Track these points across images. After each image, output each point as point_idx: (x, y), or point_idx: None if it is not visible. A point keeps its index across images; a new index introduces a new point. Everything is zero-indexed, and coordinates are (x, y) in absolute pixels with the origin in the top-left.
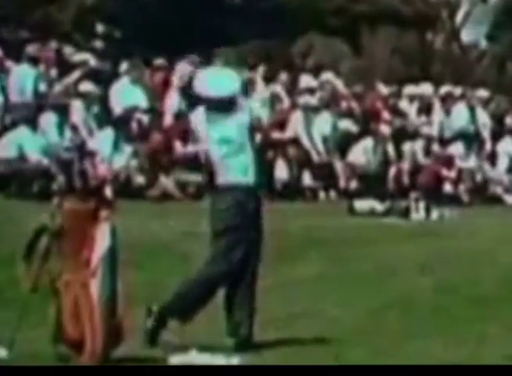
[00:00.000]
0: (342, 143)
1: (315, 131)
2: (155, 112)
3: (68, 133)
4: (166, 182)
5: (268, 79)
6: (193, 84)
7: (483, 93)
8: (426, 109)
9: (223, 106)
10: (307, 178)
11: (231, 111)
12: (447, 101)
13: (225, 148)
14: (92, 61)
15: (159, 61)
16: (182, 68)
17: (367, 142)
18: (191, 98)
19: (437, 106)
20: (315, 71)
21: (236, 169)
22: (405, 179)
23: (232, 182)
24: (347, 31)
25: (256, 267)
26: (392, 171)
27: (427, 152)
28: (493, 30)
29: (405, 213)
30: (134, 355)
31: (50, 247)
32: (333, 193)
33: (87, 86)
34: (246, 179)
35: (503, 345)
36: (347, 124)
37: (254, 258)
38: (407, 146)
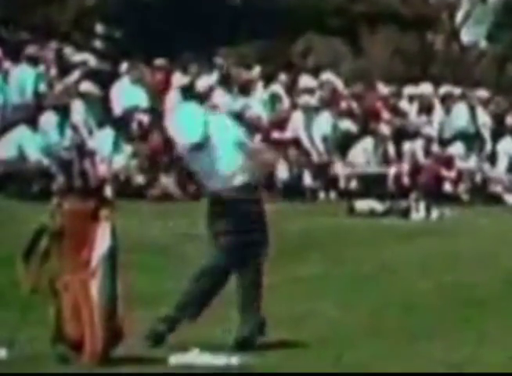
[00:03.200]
0: (342, 143)
1: (315, 131)
2: (155, 112)
3: (68, 133)
4: (166, 182)
5: (268, 79)
6: (166, 125)
7: (483, 93)
8: (426, 109)
9: (195, 148)
10: (307, 179)
11: (204, 149)
12: (447, 101)
13: (207, 173)
14: (92, 61)
15: (159, 61)
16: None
17: (367, 142)
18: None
19: (437, 106)
20: (315, 71)
21: (222, 176)
22: (405, 179)
23: (219, 187)
24: (347, 31)
25: (260, 267)
26: (392, 171)
27: (427, 152)
28: (493, 31)
29: (405, 213)
30: (134, 355)
31: (50, 247)
32: (333, 194)
33: (87, 86)
34: (234, 183)
35: (503, 346)
36: (347, 124)
37: (255, 259)
38: (407, 146)
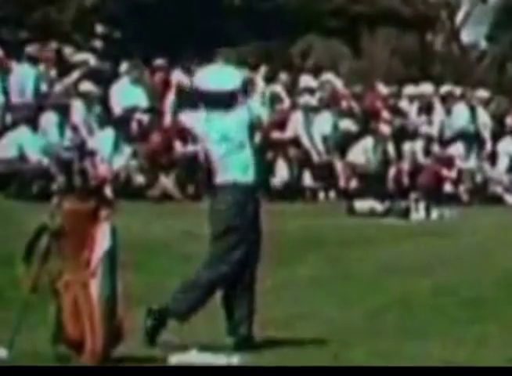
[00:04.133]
0: (342, 143)
1: (315, 131)
2: (155, 112)
3: (68, 133)
4: (166, 182)
5: (268, 79)
6: (194, 78)
7: (483, 93)
8: (426, 109)
9: (223, 102)
10: (307, 179)
11: (231, 107)
12: (447, 101)
13: (225, 146)
14: (92, 61)
15: (159, 61)
16: (178, 76)
17: (367, 142)
18: (191, 97)
19: (437, 106)
20: (315, 72)
21: (236, 168)
22: (405, 179)
23: (232, 181)
24: (346, 32)
25: (255, 267)
26: (392, 171)
27: (427, 152)
28: (493, 31)
29: (405, 213)
30: (134, 355)
31: (50, 247)
32: (332, 194)
33: (87, 86)
34: (245, 178)
35: (503, 347)
36: (347, 124)
37: (253, 259)
38: (407, 146)
